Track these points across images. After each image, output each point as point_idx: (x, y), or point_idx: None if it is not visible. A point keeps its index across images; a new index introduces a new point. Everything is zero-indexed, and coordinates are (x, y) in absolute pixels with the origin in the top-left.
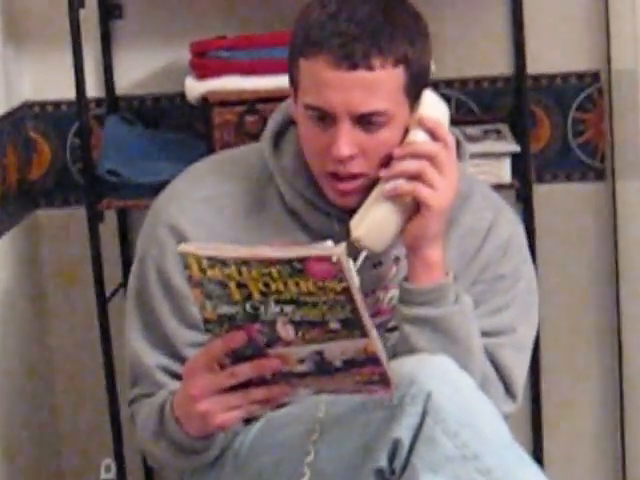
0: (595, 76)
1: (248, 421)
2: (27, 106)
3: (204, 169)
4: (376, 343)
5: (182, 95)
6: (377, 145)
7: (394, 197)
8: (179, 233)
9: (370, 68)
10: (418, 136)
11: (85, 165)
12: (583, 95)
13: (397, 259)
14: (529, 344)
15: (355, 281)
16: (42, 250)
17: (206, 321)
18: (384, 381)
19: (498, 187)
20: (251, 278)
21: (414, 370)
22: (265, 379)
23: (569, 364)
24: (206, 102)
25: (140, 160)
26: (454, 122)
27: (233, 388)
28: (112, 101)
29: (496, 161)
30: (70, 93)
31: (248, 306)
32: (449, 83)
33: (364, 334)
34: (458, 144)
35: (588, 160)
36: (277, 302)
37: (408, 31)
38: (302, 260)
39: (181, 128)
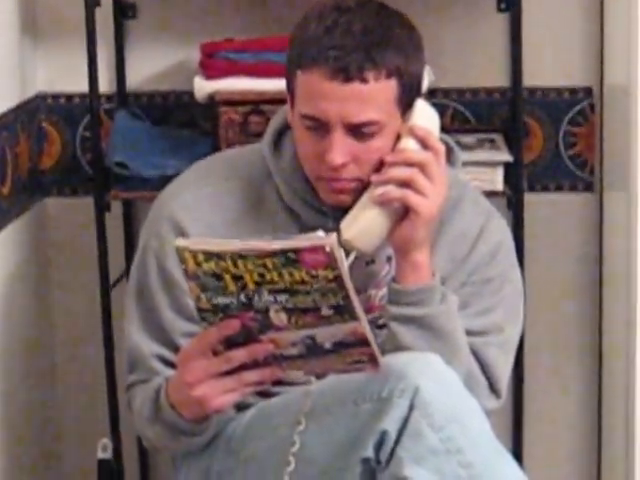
0: (588, 91)
1: (241, 408)
2: (40, 98)
3: (206, 167)
4: (365, 325)
5: (190, 93)
6: (369, 153)
7: (384, 202)
8: (179, 228)
9: (364, 81)
10: (409, 144)
11: (94, 157)
12: (575, 109)
13: (390, 258)
14: (514, 344)
15: (346, 268)
16: (50, 237)
17: (201, 310)
18: (372, 360)
19: (490, 194)
20: (246, 270)
21: (404, 366)
22: (257, 362)
23: (551, 369)
24: (213, 101)
25: (147, 154)
26: (450, 130)
27: (226, 373)
28: (122, 96)
29: (489, 169)
30: (82, 87)
31: (242, 296)
32: (447, 93)
33: (354, 318)
34: (451, 151)
35: (578, 172)
36: (271, 291)
37: (401, 44)
38: (296, 251)
39: (188, 125)
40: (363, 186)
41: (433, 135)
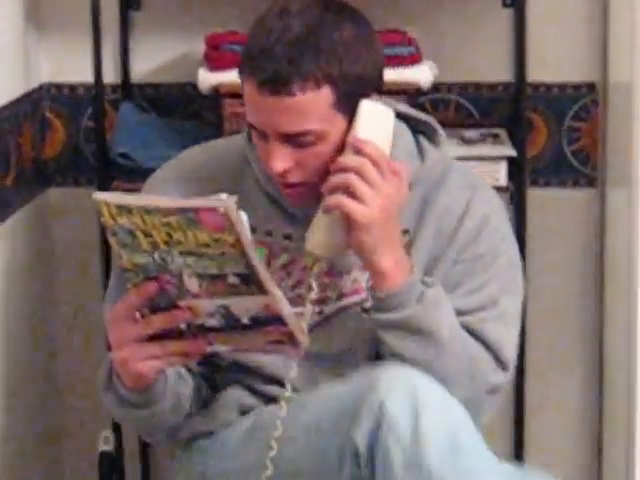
0: (591, 87)
1: (243, 413)
2: (45, 88)
3: (191, 154)
4: (278, 302)
5: (194, 85)
6: (311, 159)
7: (327, 210)
8: None
9: (291, 94)
10: (351, 151)
11: (98, 147)
12: (579, 105)
13: None
14: (514, 314)
15: (247, 235)
16: (53, 227)
17: (124, 270)
18: (292, 341)
19: (493, 189)
20: (154, 227)
21: (374, 381)
22: (183, 332)
23: (553, 361)
24: (217, 93)
25: (151, 146)
26: (453, 125)
27: (155, 339)
28: (127, 88)
29: (493, 164)
30: (87, 77)
31: (157, 256)
32: (450, 87)
33: (263, 291)
34: (434, 131)
35: (580, 167)
36: (181, 253)
37: (338, 47)
38: (195, 210)
39: (192, 117)
40: (317, 189)
41: (368, 144)
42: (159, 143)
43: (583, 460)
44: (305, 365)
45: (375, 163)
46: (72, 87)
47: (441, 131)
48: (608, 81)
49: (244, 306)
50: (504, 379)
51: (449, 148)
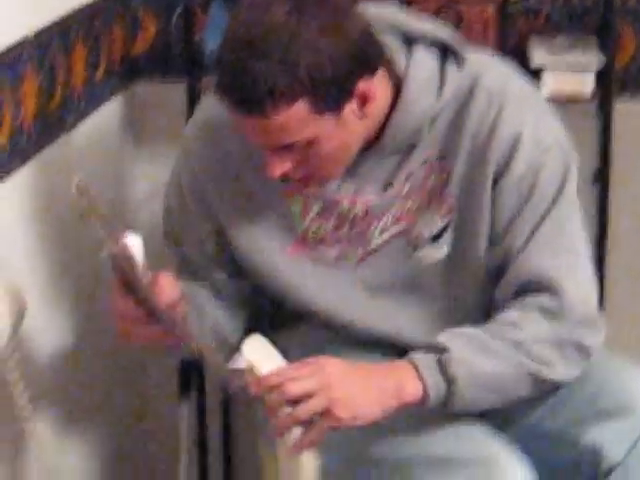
0: None
1: None
2: None
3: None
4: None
5: None
6: (311, 157)
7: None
8: (190, 162)
9: (265, 116)
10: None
11: (188, 45)
12: None
13: (409, 175)
14: (578, 242)
15: (137, 266)
16: (140, 119)
17: None
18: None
19: (579, 100)
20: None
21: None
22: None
23: (636, 285)
24: None
25: None
26: (543, 33)
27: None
28: None
29: (580, 74)
30: None
31: None
32: None
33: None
34: (455, 53)
35: None
36: None
37: (306, 54)
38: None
39: None
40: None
41: (268, 376)
42: None
43: None
44: (364, 297)
45: (291, 380)
46: None
47: (461, 50)
48: None
49: None
50: (595, 337)
51: (537, 56)
